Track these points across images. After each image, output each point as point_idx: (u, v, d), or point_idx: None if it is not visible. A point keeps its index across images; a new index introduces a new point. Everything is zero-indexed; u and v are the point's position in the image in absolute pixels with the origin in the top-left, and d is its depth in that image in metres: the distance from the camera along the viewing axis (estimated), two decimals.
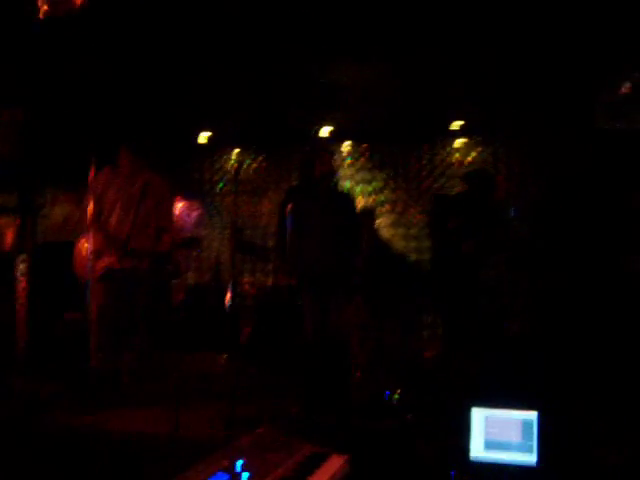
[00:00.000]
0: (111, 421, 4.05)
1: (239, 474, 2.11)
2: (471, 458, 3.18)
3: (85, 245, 4.88)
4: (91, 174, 4.60)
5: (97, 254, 4.61)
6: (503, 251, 6.00)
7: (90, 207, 4.64)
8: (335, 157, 5.27)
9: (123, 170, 5.04)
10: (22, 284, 6.44)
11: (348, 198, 5.29)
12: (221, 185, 9.40)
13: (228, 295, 6.44)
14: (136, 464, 3.46)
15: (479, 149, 8.48)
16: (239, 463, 2.16)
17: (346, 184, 8.74)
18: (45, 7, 3.77)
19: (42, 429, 3.96)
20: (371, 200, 8.59)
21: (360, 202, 8.22)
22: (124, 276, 4.91)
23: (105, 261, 4.76)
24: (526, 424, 3.19)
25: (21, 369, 5.53)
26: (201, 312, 7.57)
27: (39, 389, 4.86)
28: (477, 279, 5.67)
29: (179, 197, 9.39)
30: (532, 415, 3.18)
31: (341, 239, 4.90)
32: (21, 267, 6.51)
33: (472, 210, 5.63)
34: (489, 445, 3.21)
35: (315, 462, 2.43)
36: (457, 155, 8.55)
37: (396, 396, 4.30)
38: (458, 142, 8.54)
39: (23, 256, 6.53)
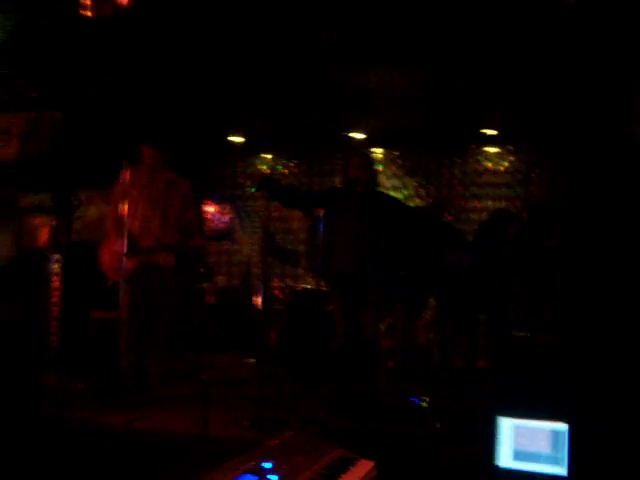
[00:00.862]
0: (139, 420, 4.08)
1: (267, 476, 2.11)
2: (499, 468, 3.15)
3: (109, 246, 4.96)
4: (124, 176, 4.65)
5: (125, 254, 4.64)
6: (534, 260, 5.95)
7: (116, 208, 4.69)
8: (371, 161, 5.19)
9: (144, 168, 5.03)
10: (55, 283, 6.52)
11: (389, 202, 5.20)
12: (253, 189, 9.44)
13: (258, 299, 6.49)
14: (163, 463, 3.49)
15: (511, 158, 8.42)
16: (267, 465, 2.17)
17: None
18: (89, 8, 3.83)
19: (71, 426, 4.01)
20: None
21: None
22: (154, 274, 4.95)
23: (134, 261, 4.78)
24: (556, 435, 3.15)
25: (53, 367, 5.61)
26: (231, 315, 7.61)
27: (70, 387, 4.92)
28: (509, 290, 5.63)
29: (210, 201, 9.47)
30: (562, 426, 3.14)
31: (373, 242, 4.86)
32: (55, 266, 6.60)
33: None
34: (518, 455, 3.18)
35: (343, 466, 2.43)
36: (489, 163, 8.51)
37: (424, 403, 4.28)
38: (490, 150, 8.49)
39: (57, 256, 6.62)
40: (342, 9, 4.89)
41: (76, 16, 3.91)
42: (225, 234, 6.43)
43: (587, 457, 3.16)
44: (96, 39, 5.19)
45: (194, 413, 3.91)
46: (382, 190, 5.69)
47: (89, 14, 3.90)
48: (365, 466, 2.53)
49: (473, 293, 5.48)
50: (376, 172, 5.16)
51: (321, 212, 4.63)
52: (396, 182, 8.86)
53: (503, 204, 8.38)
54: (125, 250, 4.57)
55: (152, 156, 5.01)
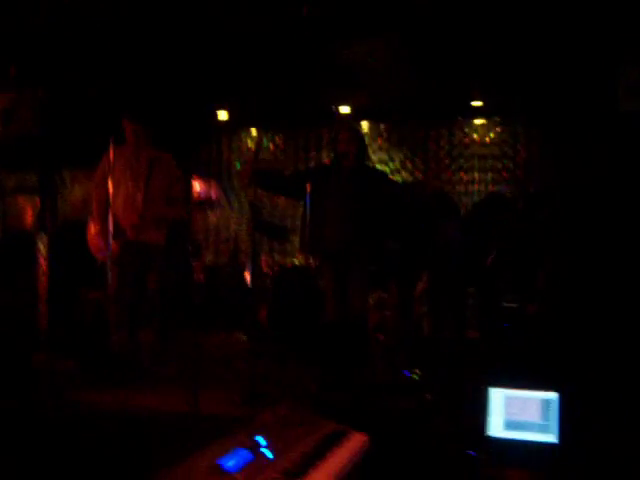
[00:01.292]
0: (131, 399, 4.08)
1: (260, 450, 2.12)
2: (491, 437, 3.18)
3: (95, 226, 4.93)
4: (110, 154, 4.60)
5: (111, 233, 4.60)
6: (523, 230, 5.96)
7: (100, 187, 4.65)
8: (359, 135, 5.15)
9: (128, 146, 5.00)
10: (42, 264, 6.47)
11: (377, 176, 5.18)
12: (239, 165, 9.40)
13: (247, 275, 6.47)
14: (155, 441, 3.49)
15: (498, 130, 8.41)
16: (260, 439, 2.17)
17: None
18: None
19: (62, 406, 4.00)
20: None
21: None
22: (142, 252, 4.93)
23: (118, 239, 4.75)
24: (546, 404, 3.18)
25: (42, 348, 5.59)
26: (220, 292, 7.60)
27: (60, 367, 4.90)
28: (497, 260, 5.65)
29: (196, 177, 9.40)
30: (552, 395, 3.17)
31: (363, 218, 4.85)
32: (41, 247, 6.55)
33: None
34: (509, 425, 3.21)
35: (335, 439, 2.44)
36: (475, 135, 8.49)
37: (415, 376, 4.30)
38: (477, 122, 8.47)
39: (43, 237, 6.56)
40: None
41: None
42: (207, 202, 6.39)
43: (577, 425, 3.20)
44: (77, 15, 5.09)
45: (186, 391, 3.92)
46: (370, 164, 5.67)
47: None
48: (358, 439, 2.55)
49: (464, 265, 5.50)
50: (365, 146, 5.13)
51: (308, 188, 4.61)
52: (382, 155, 8.83)
53: (490, 176, 8.38)
54: (111, 229, 4.54)
55: (135, 132, 4.97)
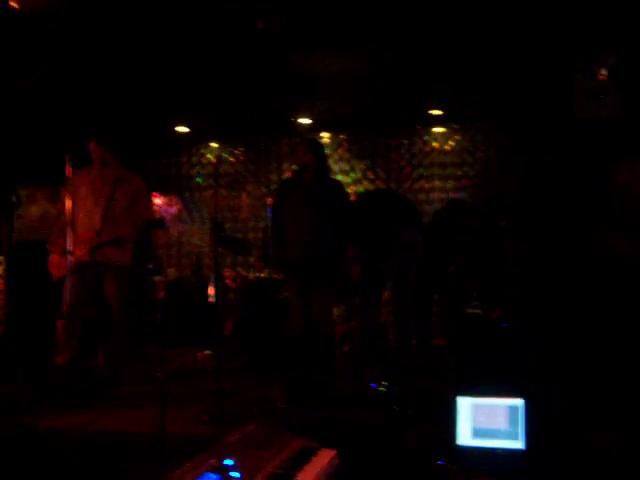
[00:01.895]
0: (94, 421, 4.00)
1: (229, 473, 2.08)
2: (459, 446, 3.19)
3: (54, 244, 4.87)
4: (67, 171, 4.53)
5: (69, 251, 4.54)
6: (485, 235, 6.02)
7: (66, 205, 4.57)
8: (317, 147, 5.16)
9: (94, 167, 4.99)
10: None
11: (335, 187, 5.20)
12: (199, 179, 9.35)
13: (210, 289, 6.41)
14: (122, 465, 3.42)
15: (457, 137, 8.50)
16: (229, 462, 2.14)
17: None
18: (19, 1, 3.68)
19: (23, 431, 3.90)
20: (351, 191, 8.57)
21: None
22: (99, 270, 4.86)
23: (75, 256, 4.69)
24: (513, 411, 3.21)
25: (4, 372, 5.45)
26: (183, 307, 7.52)
27: (19, 391, 4.78)
28: (461, 267, 5.69)
29: (157, 193, 9.31)
30: (518, 402, 3.20)
31: (325, 228, 4.86)
32: None
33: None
34: (477, 433, 3.23)
35: (304, 457, 2.42)
36: (435, 143, 8.57)
37: (382, 388, 4.30)
38: (436, 131, 8.56)
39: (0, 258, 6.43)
40: None
41: (3, 7, 3.75)
42: (157, 223, 6.34)
43: (543, 430, 3.23)
44: (28, 31, 5.01)
45: (151, 411, 3.85)
46: (331, 175, 5.69)
47: (16, 6, 3.75)
48: (327, 455, 2.52)
49: (428, 272, 5.52)
50: (325, 158, 5.14)
51: (269, 201, 4.61)
52: (344, 166, 8.86)
53: (450, 183, 8.46)
54: (69, 247, 4.46)
55: (101, 153, 4.96)
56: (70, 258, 4.48)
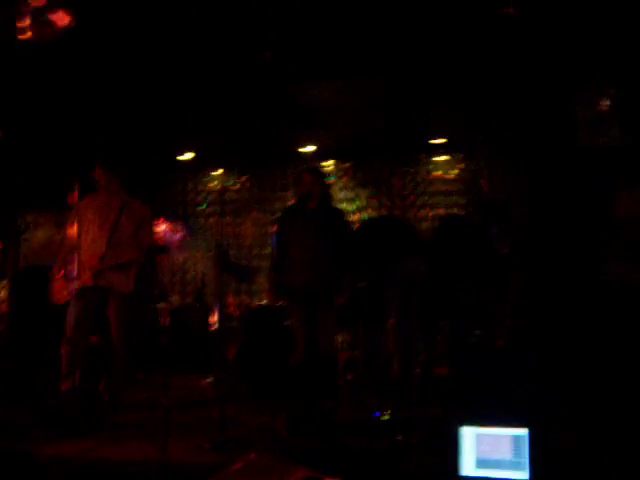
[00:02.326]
0: (94, 449, 3.96)
1: None
2: (463, 477, 3.16)
3: (57, 268, 4.89)
4: (74, 197, 4.56)
5: (74, 276, 4.55)
6: (486, 267, 6.01)
7: (72, 231, 4.59)
8: (321, 176, 5.22)
9: (101, 192, 5.02)
10: (2, 309, 6.35)
11: (337, 215, 5.25)
12: (204, 206, 9.38)
13: (215, 316, 6.41)
14: None
15: (461, 165, 8.54)
16: None
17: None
18: (28, 32, 3.74)
19: (20, 458, 3.87)
20: (355, 219, 8.59)
21: None
22: (102, 296, 4.87)
23: (79, 281, 4.69)
24: (517, 441, 3.18)
25: (2, 397, 5.43)
26: (187, 334, 7.50)
27: (18, 417, 4.76)
28: (462, 296, 5.68)
29: (162, 219, 9.35)
30: (523, 431, 3.17)
31: (328, 256, 4.88)
32: (1, 293, 6.43)
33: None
34: (480, 463, 3.19)
35: None
36: (439, 172, 8.60)
37: (386, 416, 4.27)
38: (440, 159, 8.60)
39: (3, 282, 6.45)
40: (288, 25, 4.90)
41: (14, 39, 3.81)
42: (161, 249, 6.36)
43: (548, 460, 3.20)
44: (38, 60, 5.08)
45: (153, 439, 3.83)
46: (333, 204, 5.73)
47: (28, 37, 3.80)
48: None
49: (431, 300, 5.51)
50: (328, 187, 5.20)
51: (274, 229, 4.63)
52: (348, 194, 8.89)
53: (455, 211, 8.48)
54: (75, 273, 4.48)
55: (108, 179, 4.99)
56: (74, 284, 4.49)
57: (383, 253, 5.29)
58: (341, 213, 5.34)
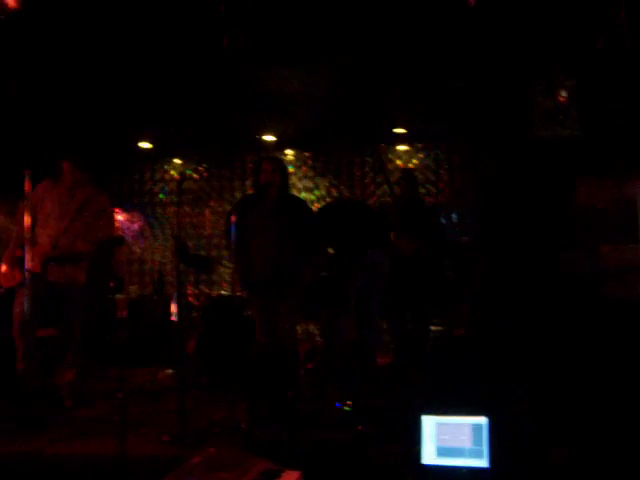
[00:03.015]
0: (52, 444, 3.89)
1: None
2: (424, 465, 3.18)
3: (7, 256, 4.83)
4: (26, 185, 4.44)
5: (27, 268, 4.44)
6: (444, 254, 6.06)
7: (25, 220, 4.47)
8: (282, 165, 5.18)
9: (65, 183, 4.93)
10: None
11: (298, 203, 5.23)
12: (162, 196, 9.27)
13: (173, 307, 6.32)
14: None
15: (421, 155, 8.58)
16: None
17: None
18: None
19: None
20: (314, 208, 8.58)
21: None
22: (53, 289, 4.79)
23: (28, 268, 4.58)
24: (476, 429, 3.22)
25: None
26: (145, 326, 7.41)
27: None
28: (423, 283, 5.72)
29: (119, 209, 9.21)
30: (482, 420, 3.21)
31: (289, 246, 4.86)
32: None
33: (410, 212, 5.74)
34: (441, 452, 3.22)
35: (269, 479, 2.38)
36: (399, 161, 8.64)
37: (347, 407, 4.27)
38: (400, 148, 8.63)
39: None
40: (247, 10, 4.84)
41: None
42: (117, 240, 6.28)
43: (506, 448, 3.24)
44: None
45: (111, 432, 3.77)
46: (292, 193, 5.71)
47: None
48: (291, 477, 2.50)
49: (394, 290, 5.54)
50: (288, 176, 5.16)
51: (233, 219, 4.57)
52: (308, 183, 8.88)
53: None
54: (26, 262, 4.37)
55: (73, 172, 4.93)
56: (27, 274, 4.38)
57: (349, 242, 5.29)
58: (302, 202, 5.32)
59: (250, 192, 5.23)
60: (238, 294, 6.02)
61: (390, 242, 5.62)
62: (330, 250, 5.35)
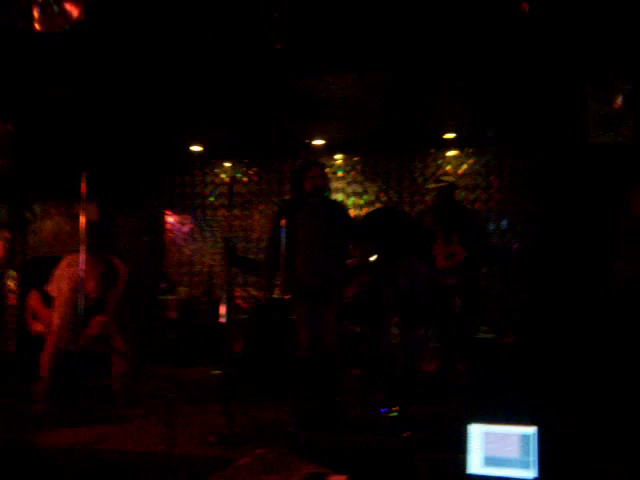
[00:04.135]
0: (101, 441, 3.97)
1: None
2: (470, 475, 3.14)
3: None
4: (83, 187, 4.56)
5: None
6: (494, 262, 5.99)
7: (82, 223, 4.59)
8: (326, 170, 5.20)
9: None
10: (11, 301, 6.35)
11: (340, 208, 5.24)
12: (212, 199, 9.38)
13: (222, 309, 6.40)
14: None
15: (471, 161, 8.50)
16: None
17: (338, 197, 8.75)
18: (40, 22, 3.73)
19: (33, 448, 3.88)
20: (363, 213, 8.57)
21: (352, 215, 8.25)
22: None
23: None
24: (525, 439, 3.16)
25: (13, 389, 5.44)
26: (194, 327, 7.51)
27: (29, 407, 4.77)
28: (470, 291, 5.66)
29: (170, 211, 9.37)
30: (531, 430, 3.15)
31: (333, 250, 4.87)
32: (9, 283, 6.43)
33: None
34: (488, 461, 3.17)
35: None
36: (449, 167, 8.57)
37: (393, 414, 4.25)
38: (450, 154, 8.55)
39: (12, 272, 6.45)
40: (300, 16, 4.87)
41: (26, 29, 3.80)
42: (181, 236, 6.38)
43: (556, 460, 3.18)
44: (50, 51, 5.07)
45: (160, 431, 3.82)
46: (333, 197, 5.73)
47: (38, 27, 3.79)
48: None
49: (439, 297, 5.50)
50: (329, 180, 5.19)
51: (283, 223, 4.59)
52: (357, 188, 8.87)
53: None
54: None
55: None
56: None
57: (388, 250, 5.28)
58: (343, 206, 5.31)
59: (290, 197, 5.18)
60: (285, 297, 6.03)
61: (429, 249, 5.59)
62: (372, 257, 5.34)
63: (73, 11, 3.79)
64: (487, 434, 3.20)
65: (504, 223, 8.17)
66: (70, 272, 4.88)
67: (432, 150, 8.59)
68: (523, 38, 5.10)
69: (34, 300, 5.27)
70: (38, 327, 5.20)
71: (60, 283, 4.96)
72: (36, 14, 3.75)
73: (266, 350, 5.96)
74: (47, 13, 3.77)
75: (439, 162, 8.60)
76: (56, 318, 4.90)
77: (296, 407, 4.39)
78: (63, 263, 5.03)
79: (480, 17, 4.92)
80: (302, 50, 5.43)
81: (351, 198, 8.75)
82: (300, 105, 6.78)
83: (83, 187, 4.56)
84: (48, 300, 5.09)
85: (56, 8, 3.80)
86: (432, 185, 6.66)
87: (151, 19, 4.86)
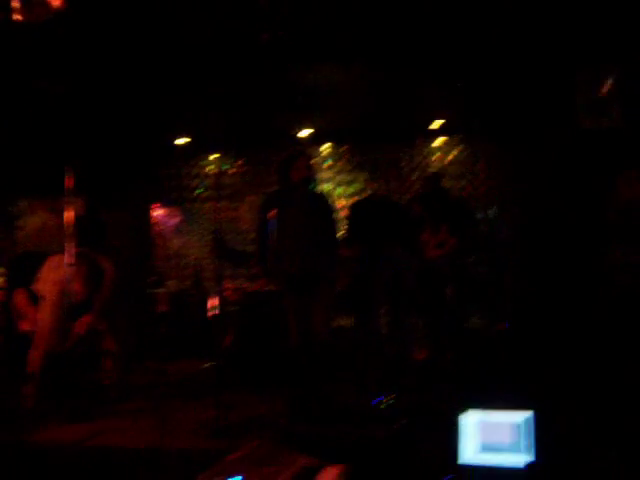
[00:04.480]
0: (92, 437, 3.94)
1: None
2: (465, 462, 3.13)
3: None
4: (67, 182, 4.50)
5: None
6: (484, 250, 5.99)
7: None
8: (312, 161, 5.16)
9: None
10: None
11: (324, 199, 5.20)
12: (200, 191, 9.32)
13: (211, 302, 6.35)
14: None
15: (459, 148, 8.48)
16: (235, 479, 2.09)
17: (326, 186, 8.72)
18: (20, 13, 3.66)
19: (24, 446, 3.84)
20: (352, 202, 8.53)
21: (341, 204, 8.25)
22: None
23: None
24: (520, 425, 3.15)
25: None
26: (184, 320, 7.47)
27: (19, 405, 4.73)
28: (461, 279, 5.66)
29: (157, 205, 9.30)
30: (527, 415, 3.14)
31: (320, 241, 4.84)
32: None
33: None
34: (484, 448, 3.16)
35: (309, 475, 2.37)
36: (437, 154, 8.55)
37: (385, 403, 4.23)
38: (438, 141, 8.54)
39: (1, 269, 6.40)
40: (286, 6, 4.82)
41: (6, 20, 3.73)
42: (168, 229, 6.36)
43: (552, 443, 3.17)
44: (31, 42, 4.99)
45: (151, 425, 3.80)
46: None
47: (19, 18, 3.72)
48: (331, 472, 2.47)
49: (430, 285, 5.49)
50: (315, 171, 5.16)
51: (272, 214, 4.56)
52: (345, 177, 8.84)
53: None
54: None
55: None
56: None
57: (377, 238, 5.26)
58: (326, 197, 5.28)
59: (277, 188, 5.11)
60: (271, 289, 5.99)
61: (416, 237, 5.58)
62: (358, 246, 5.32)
63: (54, 1, 3.72)
64: (483, 420, 3.18)
65: (493, 210, 8.16)
66: (56, 275, 4.81)
67: (420, 138, 8.57)
68: (512, 24, 5.08)
69: (20, 298, 5.20)
70: (24, 325, 5.14)
71: (46, 285, 4.90)
72: (15, 4, 3.68)
73: (257, 342, 5.94)
74: (27, 3, 3.70)
75: (427, 150, 8.58)
76: (46, 321, 4.84)
77: (288, 399, 4.36)
78: (47, 265, 4.97)
79: (467, 4, 4.89)
80: (289, 40, 5.38)
81: (340, 187, 8.72)
82: (286, 95, 6.73)
83: (67, 181, 4.50)
84: (34, 298, 5.03)
85: None
86: None
87: (132, 8, 4.78)
